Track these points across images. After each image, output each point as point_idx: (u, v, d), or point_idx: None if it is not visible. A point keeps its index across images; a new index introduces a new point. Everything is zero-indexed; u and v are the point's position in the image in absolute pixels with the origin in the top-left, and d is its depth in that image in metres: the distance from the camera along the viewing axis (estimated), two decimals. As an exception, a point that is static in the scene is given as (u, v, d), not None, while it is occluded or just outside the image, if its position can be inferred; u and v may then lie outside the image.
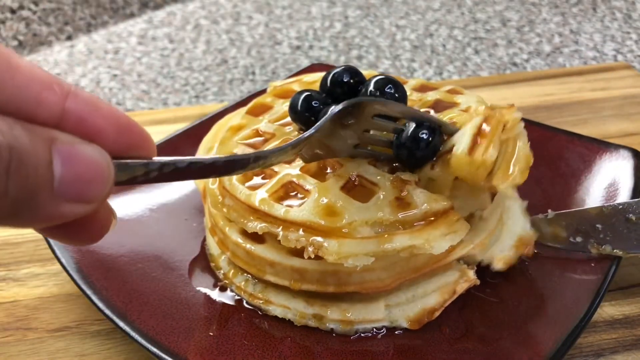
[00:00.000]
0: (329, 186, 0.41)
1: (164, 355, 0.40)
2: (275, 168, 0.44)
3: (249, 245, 0.44)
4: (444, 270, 0.44)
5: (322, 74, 0.56)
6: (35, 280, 0.51)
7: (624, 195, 0.50)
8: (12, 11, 1.00)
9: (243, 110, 0.53)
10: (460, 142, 0.39)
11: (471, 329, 0.43)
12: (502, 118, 0.41)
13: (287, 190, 0.42)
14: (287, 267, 0.43)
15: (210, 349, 0.41)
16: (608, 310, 0.45)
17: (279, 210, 0.41)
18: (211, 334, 0.43)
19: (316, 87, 0.52)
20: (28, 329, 0.47)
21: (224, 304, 0.46)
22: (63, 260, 0.46)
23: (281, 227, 0.40)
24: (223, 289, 0.47)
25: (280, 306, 0.44)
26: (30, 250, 0.54)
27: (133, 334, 0.41)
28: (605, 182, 0.52)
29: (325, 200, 0.40)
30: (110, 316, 0.42)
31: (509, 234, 0.47)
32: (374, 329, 0.43)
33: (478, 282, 0.45)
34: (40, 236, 0.50)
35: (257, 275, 0.44)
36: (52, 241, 0.48)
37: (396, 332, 0.43)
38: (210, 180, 0.46)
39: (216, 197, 0.45)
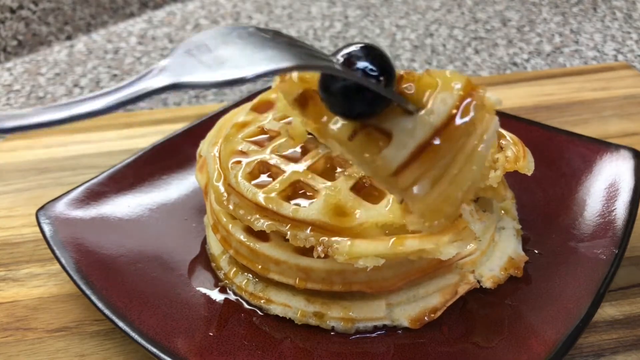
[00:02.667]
0: (338, 186, 0.41)
1: (163, 356, 0.40)
2: (282, 166, 0.44)
3: (253, 243, 0.44)
4: (446, 273, 0.44)
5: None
6: (35, 280, 0.51)
7: (624, 195, 0.50)
8: (12, 11, 1.00)
9: (248, 106, 0.53)
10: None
11: (471, 329, 0.42)
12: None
13: (295, 189, 0.42)
14: (293, 266, 0.43)
15: (210, 349, 0.41)
16: (608, 310, 0.45)
17: (288, 209, 0.41)
18: (211, 334, 0.43)
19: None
20: (28, 329, 0.46)
21: (224, 304, 0.45)
22: (62, 261, 0.46)
23: (289, 225, 0.40)
24: (223, 289, 0.47)
25: (281, 305, 0.44)
26: (30, 250, 0.54)
27: (133, 334, 0.41)
28: (606, 183, 0.51)
29: (335, 200, 0.40)
30: (110, 316, 0.42)
31: (499, 254, 0.47)
32: (374, 328, 0.43)
33: (478, 285, 0.45)
34: (40, 236, 0.49)
35: (261, 273, 0.44)
36: (51, 241, 0.48)
37: (397, 332, 0.43)
38: (215, 176, 0.46)
39: (220, 194, 0.45)
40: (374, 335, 0.43)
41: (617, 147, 0.54)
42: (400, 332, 0.43)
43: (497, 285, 0.45)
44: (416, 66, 0.89)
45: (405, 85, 0.32)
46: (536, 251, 0.48)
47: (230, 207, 0.43)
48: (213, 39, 0.28)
